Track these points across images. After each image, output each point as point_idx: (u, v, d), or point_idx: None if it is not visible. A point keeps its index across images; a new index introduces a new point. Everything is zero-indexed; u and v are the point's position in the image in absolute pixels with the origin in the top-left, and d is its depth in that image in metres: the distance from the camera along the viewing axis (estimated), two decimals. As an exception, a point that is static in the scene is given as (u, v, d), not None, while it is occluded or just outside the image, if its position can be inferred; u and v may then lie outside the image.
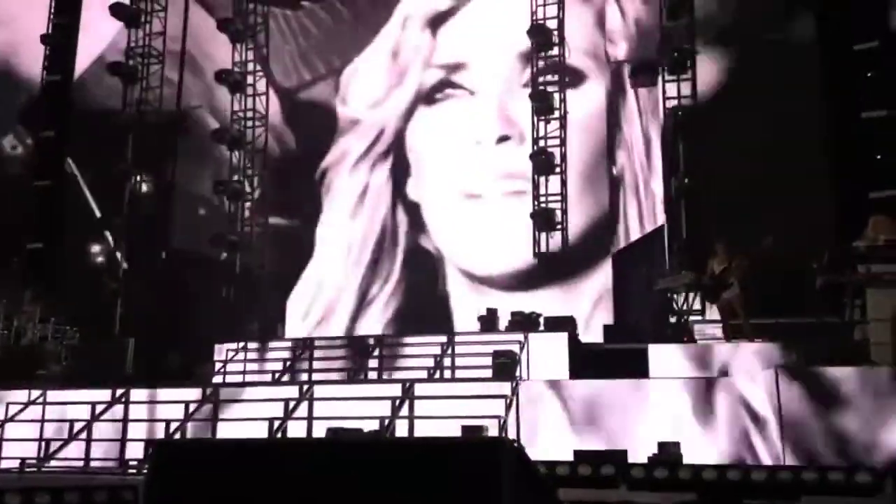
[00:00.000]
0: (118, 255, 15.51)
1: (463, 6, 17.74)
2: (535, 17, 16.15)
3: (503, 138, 16.76)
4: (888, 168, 12.61)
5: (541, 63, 16.12)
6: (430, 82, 17.88)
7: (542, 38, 15.96)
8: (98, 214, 16.03)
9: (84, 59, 16.57)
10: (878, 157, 12.59)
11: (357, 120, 18.42)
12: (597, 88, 16.56)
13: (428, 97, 17.87)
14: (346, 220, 18.00)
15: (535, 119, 15.94)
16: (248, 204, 17.37)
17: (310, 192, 18.32)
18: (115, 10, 15.78)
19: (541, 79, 16.09)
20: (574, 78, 16.38)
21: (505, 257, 16.26)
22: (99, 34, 16.68)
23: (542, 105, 15.84)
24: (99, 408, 10.83)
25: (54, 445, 10.52)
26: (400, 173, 17.91)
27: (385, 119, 18.22)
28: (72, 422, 10.69)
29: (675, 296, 13.24)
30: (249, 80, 17.88)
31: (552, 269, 15.47)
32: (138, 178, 15.72)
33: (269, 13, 18.67)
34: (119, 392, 10.97)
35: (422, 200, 17.56)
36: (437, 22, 17.95)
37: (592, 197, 16.11)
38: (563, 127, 15.87)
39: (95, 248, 16.35)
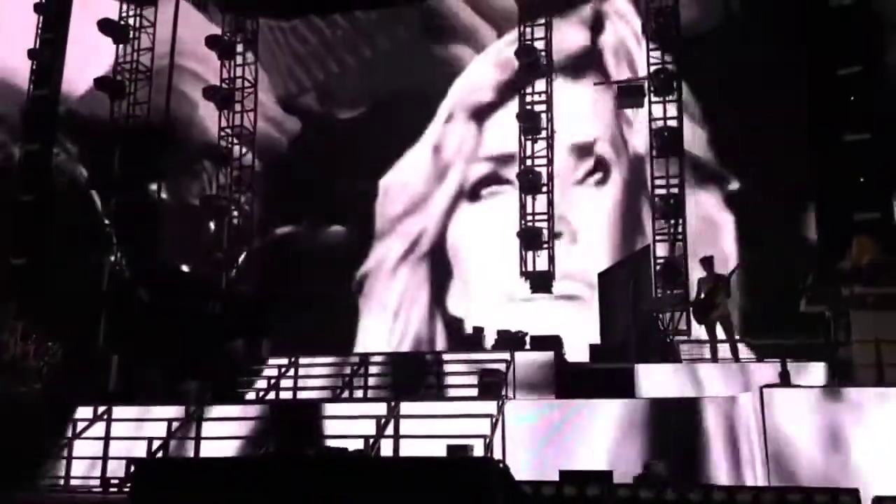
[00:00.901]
0: (105, 270, 15.41)
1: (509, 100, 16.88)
2: (523, 38, 16.26)
3: (557, 235, 15.91)
4: (872, 190, 12.75)
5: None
6: (475, 176, 17.13)
7: (529, 57, 16.06)
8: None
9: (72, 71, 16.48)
10: (862, 179, 12.72)
11: (397, 221, 17.76)
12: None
13: (472, 193, 17.17)
14: (386, 328, 17.18)
15: (522, 139, 16.01)
16: (234, 221, 17.26)
17: (301, 203, 18.05)
18: (104, 26, 15.77)
19: (528, 98, 16.18)
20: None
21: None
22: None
23: (529, 125, 15.92)
24: (80, 425, 10.71)
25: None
26: (441, 278, 17.10)
27: (426, 218, 17.56)
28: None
29: (660, 316, 13.29)
30: (238, 95, 17.85)
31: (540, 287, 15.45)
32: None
33: (260, 28, 18.64)
34: (101, 409, 10.86)
35: (467, 314, 16.39)
36: (482, 114, 17.38)
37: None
38: (550, 147, 15.95)
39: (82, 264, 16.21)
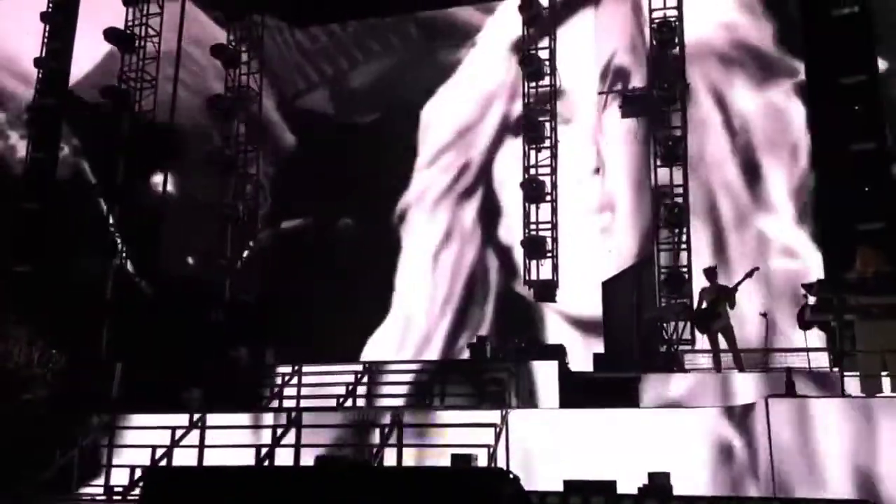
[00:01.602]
0: (109, 277, 15.43)
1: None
2: (526, 48, 16.28)
3: (595, 171, 16.20)
4: (876, 200, 12.73)
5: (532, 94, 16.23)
6: (518, 112, 16.52)
7: (532, 67, 16.08)
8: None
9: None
10: (866, 189, 12.71)
11: (438, 153, 17.81)
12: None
13: (516, 128, 16.63)
14: (429, 260, 17.35)
15: (527, 147, 16.01)
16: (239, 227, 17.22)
17: (310, 204, 18.10)
18: (109, 35, 15.80)
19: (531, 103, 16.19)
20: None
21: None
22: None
23: (534, 134, 15.92)
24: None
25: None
26: (489, 212, 17.16)
27: (470, 152, 17.55)
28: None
29: (664, 325, 13.28)
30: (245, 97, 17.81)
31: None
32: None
33: (266, 29, 18.60)
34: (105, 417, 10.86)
35: (514, 243, 16.25)
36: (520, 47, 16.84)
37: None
38: (553, 156, 15.95)
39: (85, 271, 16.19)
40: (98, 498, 9.85)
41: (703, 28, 15.57)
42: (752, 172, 15.30)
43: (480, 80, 17.93)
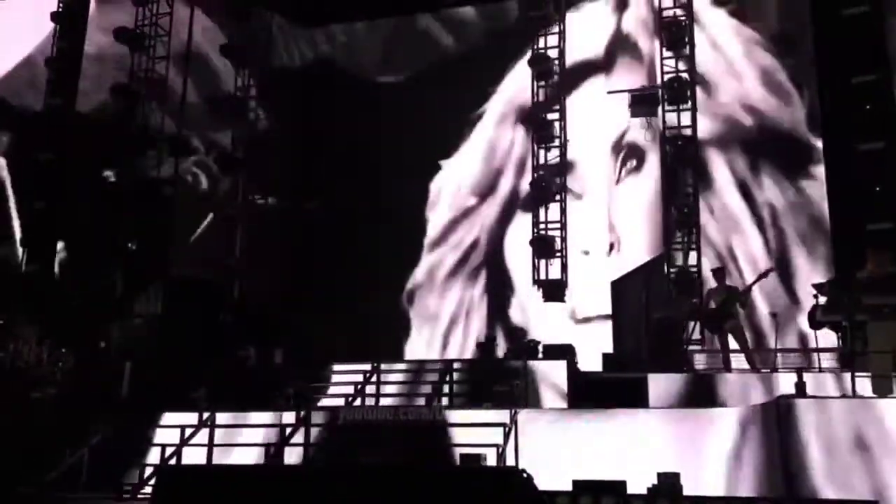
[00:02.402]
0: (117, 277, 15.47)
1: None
2: (535, 47, 16.26)
3: (611, 247, 15.73)
4: (886, 200, 12.67)
5: (541, 92, 16.22)
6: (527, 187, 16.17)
7: (542, 66, 16.06)
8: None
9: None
10: (877, 188, 12.65)
11: (448, 230, 17.52)
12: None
13: (527, 202, 16.31)
14: (438, 342, 16.97)
15: (535, 147, 15.99)
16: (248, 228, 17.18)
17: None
18: (119, 34, 15.83)
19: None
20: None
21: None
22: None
23: (543, 133, 15.90)
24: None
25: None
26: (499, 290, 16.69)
27: (479, 228, 17.23)
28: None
29: (674, 325, 13.24)
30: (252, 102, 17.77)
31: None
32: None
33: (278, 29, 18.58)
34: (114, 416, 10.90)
35: (527, 324, 15.97)
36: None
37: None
38: (563, 155, 15.92)
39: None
40: (108, 497, 9.87)
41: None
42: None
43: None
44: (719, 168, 15.29)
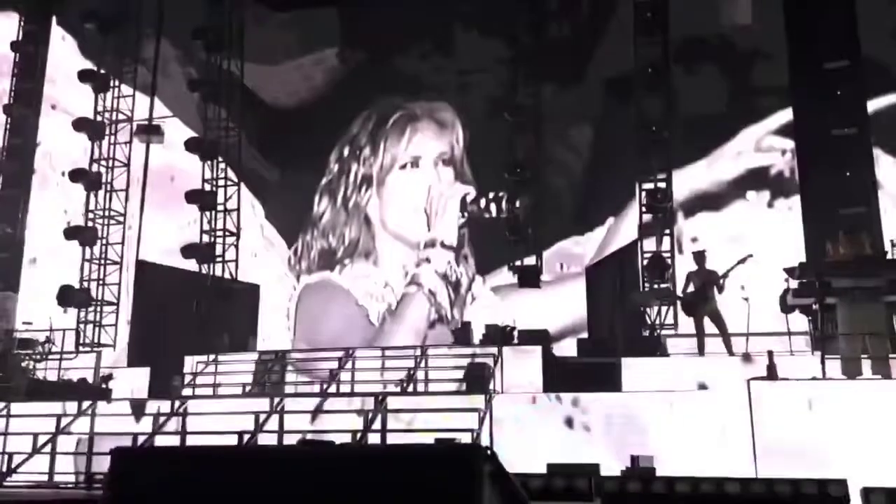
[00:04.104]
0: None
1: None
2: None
3: None
4: (858, 185, 12.80)
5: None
6: None
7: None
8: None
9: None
10: (848, 174, 12.77)
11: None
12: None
13: None
14: None
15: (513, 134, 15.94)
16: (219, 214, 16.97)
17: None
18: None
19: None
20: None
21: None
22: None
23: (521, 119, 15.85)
24: (64, 420, 10.62)
25: (17, 459, 10.29)
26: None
27: None
28: (36, 435, 10.47)
29: (647, 310, 13.30)
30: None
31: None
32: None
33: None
34: (86, 405, 10.78)
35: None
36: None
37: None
38: (537, 145, 15.86)
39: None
40: (80, 486, 9.77)
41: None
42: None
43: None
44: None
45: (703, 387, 9.70)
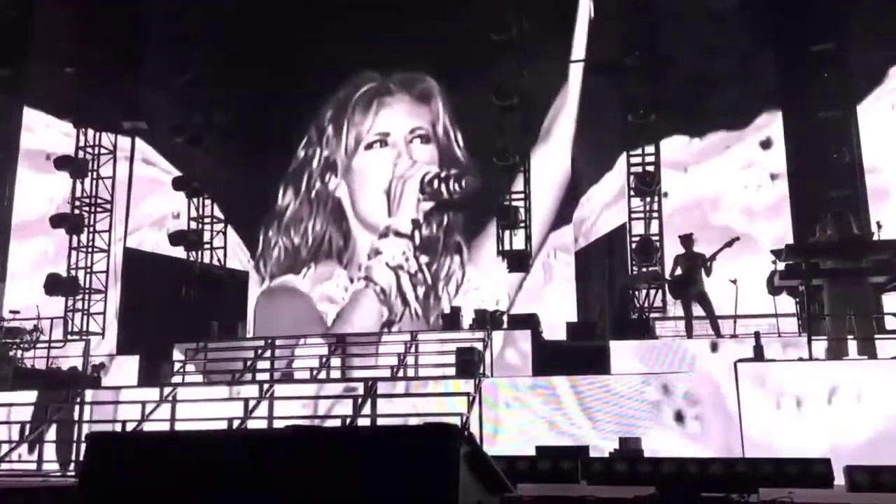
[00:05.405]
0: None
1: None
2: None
3: None
4: (844, 167, 12.84)
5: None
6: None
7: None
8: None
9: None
10: (835, 156, 12.81)
11: None
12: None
13: None
14: None
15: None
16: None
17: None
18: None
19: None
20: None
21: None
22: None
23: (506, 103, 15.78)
24: (52, 410, 10.60)
25: (4, 448, 10.27)
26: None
27: None
28: (23, 423, 10.45)
29: (636, 293, 13.34)
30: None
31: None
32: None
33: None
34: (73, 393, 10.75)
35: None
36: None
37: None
38: (525, 123, 15.82)
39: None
40: (69, 474, 9.75)
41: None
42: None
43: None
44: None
45: (683, 369, 9.77)
